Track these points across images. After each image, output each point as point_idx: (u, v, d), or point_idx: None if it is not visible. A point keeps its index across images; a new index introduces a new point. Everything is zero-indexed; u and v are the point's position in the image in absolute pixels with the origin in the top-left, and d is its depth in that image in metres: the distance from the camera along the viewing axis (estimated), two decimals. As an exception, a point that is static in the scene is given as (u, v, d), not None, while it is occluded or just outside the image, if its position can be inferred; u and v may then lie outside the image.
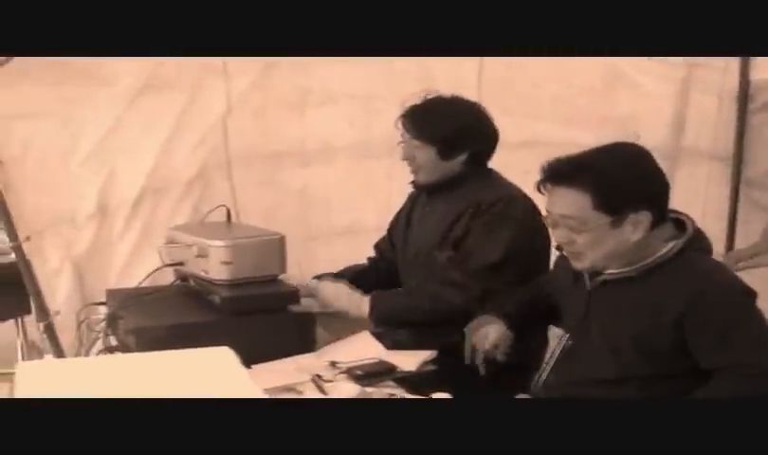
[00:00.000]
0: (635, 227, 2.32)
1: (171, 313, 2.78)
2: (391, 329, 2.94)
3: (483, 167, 3.06)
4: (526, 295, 2.82)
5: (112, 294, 3.01)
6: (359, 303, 2.96)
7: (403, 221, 3.23)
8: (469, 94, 3.13)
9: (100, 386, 1.92)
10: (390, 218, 3.35)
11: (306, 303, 2.92)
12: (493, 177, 3.06)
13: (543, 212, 2.52)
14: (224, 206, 3.11)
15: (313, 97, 3.85)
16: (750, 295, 2.33)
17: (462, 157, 2.99)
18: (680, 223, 2.42)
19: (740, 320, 2.29)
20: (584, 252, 2.38)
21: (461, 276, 2.89)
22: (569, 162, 2.36)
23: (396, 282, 3.20)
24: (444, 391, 2.38)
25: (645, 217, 2.32)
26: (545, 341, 3.05)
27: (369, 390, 2.39)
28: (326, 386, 2.35)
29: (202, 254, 2.80)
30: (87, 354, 2.85)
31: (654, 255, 2.34)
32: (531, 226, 2.94)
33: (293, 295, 2.83)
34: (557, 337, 2.71)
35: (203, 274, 2.84)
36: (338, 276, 3.18)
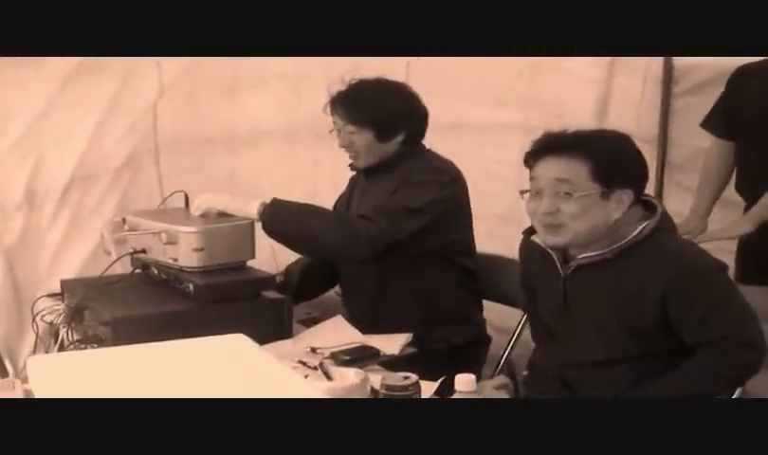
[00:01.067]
0: (618, 205, 2.37)
1: (143, 302, 2.68)
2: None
3: (418, 145, 3.08)
4: None
5: (68, 285, 2.86)
6: (246, 203, 2.83)
7: (344, 206, 3.22)
8: (397, 76, 3.13)
9: (133, 379, 1.83)
10: (318, 202, 3.32)
11: None
12: (429, 155, 3.08)
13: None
14: (182, 191, 3.00)
15: (244, 79, 3.79)
16: (723, 269, 2.41)
17: (399, 138, 3.00)
18: (647, 204, 2.47)
19: (721, 296, 2.37)
20: (567, 224, 2.37)
21: (374, 213, 2.86)
22: (570, 134, 2.40)
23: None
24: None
25: (627, 196, 2.38)
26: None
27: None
28: (332, 371, 2.31)
29: (171, 241, 2.71)
30: (48, 349, 2.71)
31: (628, 236, 2.38)
32: (457, 200, 3.00)
33: (269, 281, 2.77)
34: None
35: (171, 261, 2.74)
36: (288, 270, 3.17)
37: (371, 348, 2.66)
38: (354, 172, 3.19)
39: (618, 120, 3.84)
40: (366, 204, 3.02)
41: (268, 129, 3.88)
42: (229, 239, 2.77)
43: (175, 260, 2.73)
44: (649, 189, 3.72)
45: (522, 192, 2.44)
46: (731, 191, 3.46)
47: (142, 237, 2.81)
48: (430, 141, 3.10)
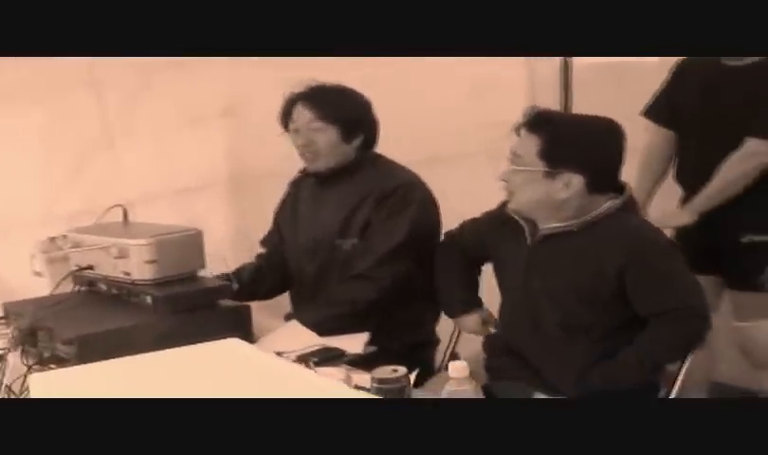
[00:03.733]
0: (566, 186, 2.52)
1: (102, 318, 2.59)
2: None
3: (373, 153, 3.12)
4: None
5: (13, 307, 2.74)
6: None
7: (288, 210, 3.22)
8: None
9: (138, 389, 1.80)
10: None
11: None
12: (388, 164, 3.13)
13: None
14: (120, 206, 2.92)
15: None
16: (676, 247, 2.61)
17: (358, 141, 3.06)
18: (620, 188, 2.62)
19: (674, 270, 2.54)
20: (515, 192, 2.58)
21: (369, 267, 2.94)
22: (538, 114, 2.57)
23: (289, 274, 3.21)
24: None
25: (577, 180, 2.52)
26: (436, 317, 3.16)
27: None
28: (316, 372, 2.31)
29: (122, 255, 2.64)
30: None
31: (594, 212, 2.54)
32: (430, 210, 3.07)
33: (225, 289, 2.75)
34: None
35: (122, 275, 2.68)
36: (235, 274, 3.13)
37: (335, 349, 2.67)
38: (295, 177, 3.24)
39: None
40: (327, 212, 3.06)
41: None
42: (181, 249, 2.72)
43: (128, 273, 2.66)
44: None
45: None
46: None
47: (87, 253, 2.73)
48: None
